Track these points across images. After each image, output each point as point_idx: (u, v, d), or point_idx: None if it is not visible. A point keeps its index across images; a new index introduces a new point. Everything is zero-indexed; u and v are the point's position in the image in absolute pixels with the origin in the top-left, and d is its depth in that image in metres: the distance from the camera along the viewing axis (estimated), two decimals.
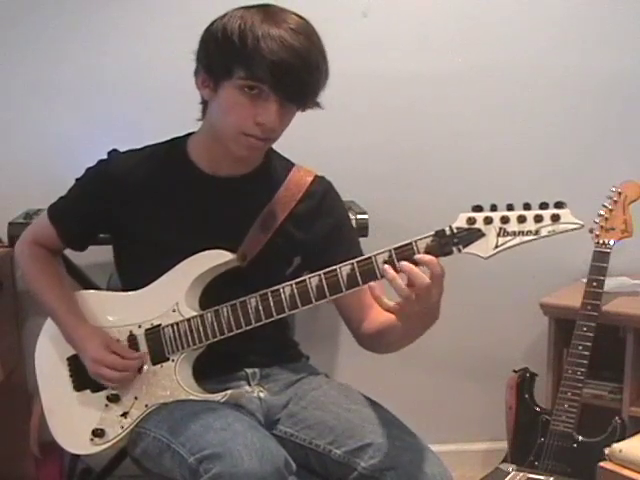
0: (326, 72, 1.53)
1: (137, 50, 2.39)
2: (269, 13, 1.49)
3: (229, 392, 1.54)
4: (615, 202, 2.21)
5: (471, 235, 1.34)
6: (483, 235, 1.34)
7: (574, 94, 2.58)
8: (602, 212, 2.22)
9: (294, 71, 1.45)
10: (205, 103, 1.60)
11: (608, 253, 2.21)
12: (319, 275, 1.44)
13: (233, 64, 1.47)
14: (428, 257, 1.34)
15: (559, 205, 1.31)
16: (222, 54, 1.48)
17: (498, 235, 1.33)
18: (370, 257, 1.40)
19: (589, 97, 2.58)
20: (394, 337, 1.53)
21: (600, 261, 2.22)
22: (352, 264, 1.42)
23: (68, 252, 1.83)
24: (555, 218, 1.30)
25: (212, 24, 1.53)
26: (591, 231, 2.21)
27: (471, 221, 1.34)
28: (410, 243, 1.37)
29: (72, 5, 2.37)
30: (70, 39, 2.38)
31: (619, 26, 2.56)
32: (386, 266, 1.36)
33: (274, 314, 1.49)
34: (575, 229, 1.31)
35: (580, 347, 2.18)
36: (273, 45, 1.43)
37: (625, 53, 2.57)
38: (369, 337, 1.63)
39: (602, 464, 1.89)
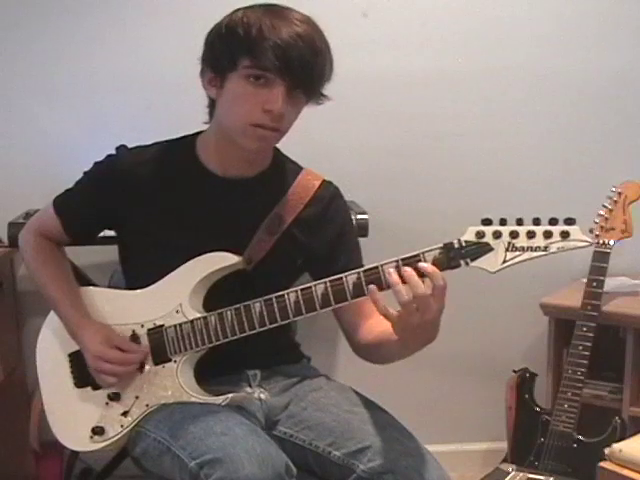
0: (330, 61, 1.53)
1: (138, 50, 2.39)
2: (272, 9, 1.51)
3: (230, 396, 1.54)
4: (615, 202, 2.21)
5: (479, 249, 1.35)
6: (491, 249, 1.34)
7: (574, 94, 2.58)
8: (602, 212, 2.22)
9: (299, 54, 1.45)
10: (212, 105, 1.60)
11: (608, 253, 2.21)
12: (325, 283, 1.44)
13: (238, 54, 1.47)
14: (431, 268, 1.34)
15: (569, 221, 1.31)
16: (227, 46, 1.49)
17: (507, 250, 1.34)
18: (377, 267, 1.40)
19: (589, 97, 2.58)
20: (390, 350, 1.53)
21: (600, 261, 2.21)
22: (358, 273, 1.41)
23: (68, 252, 1.83)
24: (565, 235, 1.31)
25: (214, 26, 1.53)
26: (591, 231, 2.21)
27: (480, 235, 1.35)
28: (418, 254, 1.37)
29: (73, 5, 2.37)
30: (70, 39, 2.38)
31: (619, 26, 2.56)
32: (391, 270, 1.36)
33: (278, 320, 1.49)
34: (584, 247, 1.31)
35: (580, 347, 2.18)
36: (277, 32, 1.44)
37: (625, 53, 2.57)
38: (365, 346, 1.63)
39: (602, 464, 1.89)
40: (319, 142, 2.42)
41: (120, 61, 2.39)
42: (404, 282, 1.35)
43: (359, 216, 2.20)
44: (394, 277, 1.35)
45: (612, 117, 2.60)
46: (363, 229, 2.18)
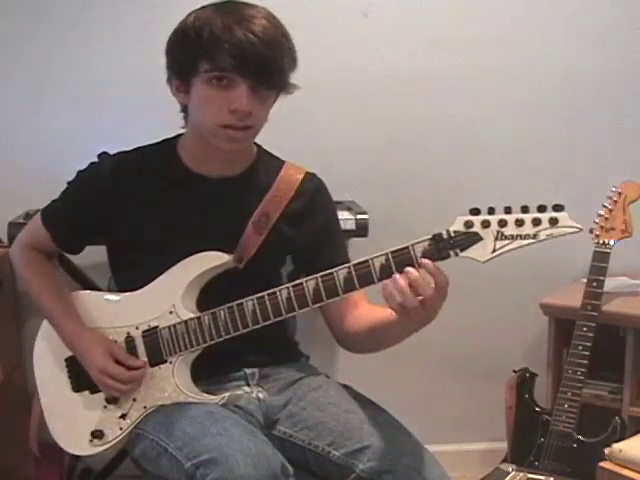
0: (289, 49, 1.53)
1: (138, 50, 2.38)
2: (223, 7, 1.52)
3: (227, 395, 1.54)
4: (615, 202, 2.21)
5: (468, 239, 1.34)
6: (480, 239, 1.33)
7: (575, 94, 2.57)
8: (602, 212, 2.22)
9: (253, 51, 1.45)
10: (185, 110, 1.61)
11: (608, 253, 2.21)
12: (316, 278, 1.44)
13: (196, 59, 1.49)
14: (432, 265, 1.34)
15: (557, 208, 1.30)
16: (184, 52, 1.51)
17: (496, 239, 1.32)
18: (367, 260, 1.39)
19: (589, 97, 2.58)
20: (385, 335, 1.53)
21: (600, 261, 2.21)
22: (349, 267, 1.41)
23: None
24: (553, 222, 1.30)
25: (172, 32, 1.56)
26: (591, 231, 2.21)
27: (468, 225, 1.34)
28: (407, 247, 1.37)
29: (71, 5, 2.37)
30: (70, 39, 2.38)
31: (620, 26, 2.56)
32: (397, 276, 1.35)
33: (271, 317, 1.49)
34: (574, 233, 1.30)
35: (580, 347, 2.18)
36: (229, 31, 1.45)
37: (625, 53, 2.56)
38: (354, 334, 1.63)
39: (602, 464, 1.89)
40: (319, 142, 2.42)
41: (121, 61, 2.39)
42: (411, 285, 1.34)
43: (359, 216, 2.21)
44: (401, 282, 1.35)
45: (612, 117, 2.60)
46: (363, 229, 2.18)
